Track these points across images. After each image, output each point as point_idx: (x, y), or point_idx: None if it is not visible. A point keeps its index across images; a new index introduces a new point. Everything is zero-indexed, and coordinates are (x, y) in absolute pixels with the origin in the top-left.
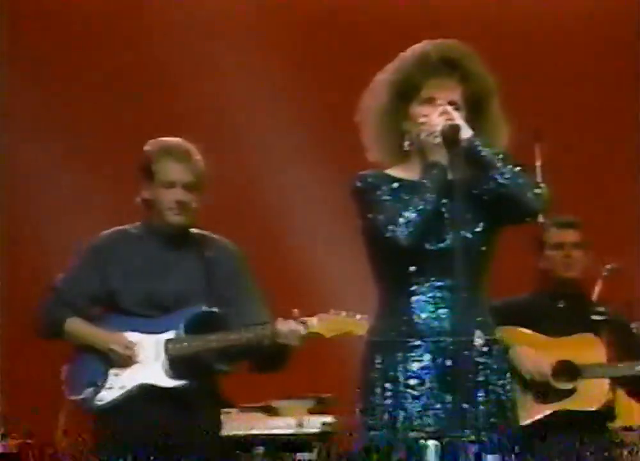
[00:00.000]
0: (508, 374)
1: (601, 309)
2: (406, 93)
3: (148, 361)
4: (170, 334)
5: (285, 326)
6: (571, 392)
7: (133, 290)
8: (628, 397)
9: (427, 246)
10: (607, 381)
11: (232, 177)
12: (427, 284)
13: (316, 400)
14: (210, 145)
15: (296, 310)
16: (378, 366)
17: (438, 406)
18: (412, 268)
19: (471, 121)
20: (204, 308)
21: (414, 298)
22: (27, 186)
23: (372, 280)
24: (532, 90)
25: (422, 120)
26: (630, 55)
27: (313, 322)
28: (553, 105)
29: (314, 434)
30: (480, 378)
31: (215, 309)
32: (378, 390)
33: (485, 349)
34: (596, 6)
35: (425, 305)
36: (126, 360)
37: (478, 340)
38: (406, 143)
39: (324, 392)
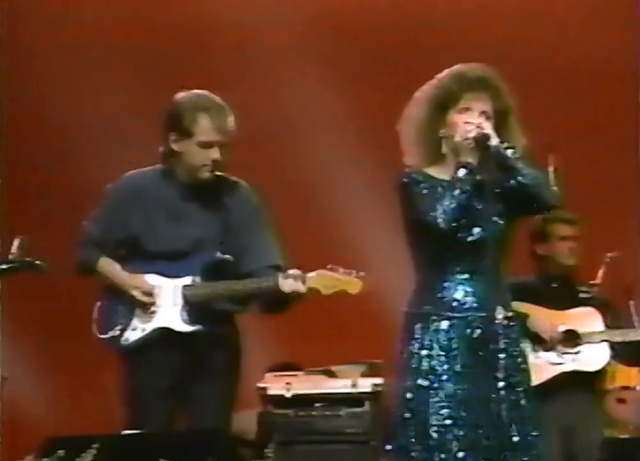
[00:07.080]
0: (522, 341)
1: (587, 289)
2: (445, 104)
3: (167, 305)
4: (187, 280)
5: (285, 282)
6: (576, 356)
7: (153, 235)
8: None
9: (460, 236)
10: (607, 348)
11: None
12: (459, 268)
13: (368, 365)
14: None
15: (294, 269)
16: (416, 335)
17: (466, 369)
18: (447, 255)
19: (496, 132)
20: (218, 254)
21: (447, 279)
22: None
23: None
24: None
25: (458, 125)
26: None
27: (313, 278)
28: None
29: (366, 393)
30: (502, 346)
31: (228, 256)
32: (415, 355)
33: (505, 322)
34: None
35: (457, 285)
36: (146, 305)
37: (499, 315)
38: (444, 146)
39: (375, 359)
